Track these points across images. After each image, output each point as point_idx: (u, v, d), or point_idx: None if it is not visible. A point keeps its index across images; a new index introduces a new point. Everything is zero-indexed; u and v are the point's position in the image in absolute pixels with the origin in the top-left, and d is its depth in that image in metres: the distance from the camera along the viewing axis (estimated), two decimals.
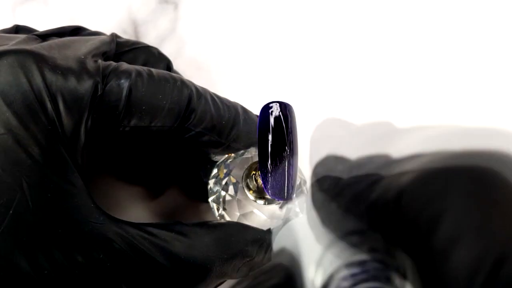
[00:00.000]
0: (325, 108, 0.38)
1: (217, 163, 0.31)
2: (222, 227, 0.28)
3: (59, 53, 0.25)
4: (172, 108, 0.26)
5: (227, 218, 0.30)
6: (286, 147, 0.26)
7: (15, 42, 0.25)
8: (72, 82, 0.24)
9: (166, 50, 0.34)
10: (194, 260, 0.26)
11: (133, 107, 0.25)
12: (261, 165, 0.26)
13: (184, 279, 0.26)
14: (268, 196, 0.27)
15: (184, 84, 0.27)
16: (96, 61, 0.25)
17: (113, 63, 0.26)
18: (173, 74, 0.28)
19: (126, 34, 0.40)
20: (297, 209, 0.30)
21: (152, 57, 0.31)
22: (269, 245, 0.29)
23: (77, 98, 0.24)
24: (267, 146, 0.25)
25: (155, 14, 0.40)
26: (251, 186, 0.29)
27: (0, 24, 0.38)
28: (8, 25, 0.30)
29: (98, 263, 0.23)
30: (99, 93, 0.24)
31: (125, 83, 0.25)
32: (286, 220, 0.30)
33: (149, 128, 0.27)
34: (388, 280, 0.14)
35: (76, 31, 0.31)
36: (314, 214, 0.17)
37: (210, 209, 0.30)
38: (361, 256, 0.15)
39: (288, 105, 0.27)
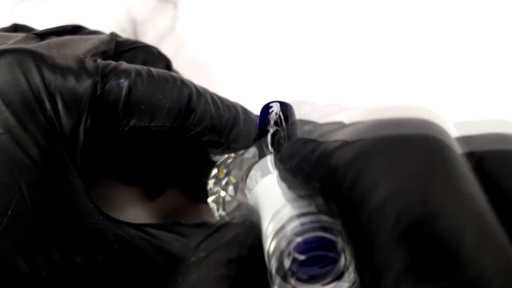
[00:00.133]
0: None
1: (217, 163, 0.31)
2: (221, 227, 0.28)
3: (58, 52, 0.24)
4: (171, 107, 0.26)
5: (227, 219, 0.29)
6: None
7: (13, 41, 0.25)
8: (71, 81, 0.24)
9: (166, 49, 0.33)
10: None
11: (133, 106, 0.25)
12: None
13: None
14: None
15: (184, 84, 0.27)
16: (95, 61, 0.25)
17: (112, 63, 0.26)
18: (173, 73, 0.28)
19: (125, 33, 0.39)
20: None
21: (152, 56, 0.31)
22: None
23: (76, 97, 0.24)
24: (267, 147, 0.25)
25: (155, 13, 0.40)
26: (251, 187, 0.29)
27: None
28: (7, 23, 0.30)
29: (97, 263, 0.23)
30: (98, 92, 0.24)
31: (124, 83, 0.25)
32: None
33: (149, 128, 0.26)
34: (334, 232, 0.15)
35: (75, 30, 0.30)
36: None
37: (210, 209, 0.30)
38: (312, 209, 0.16)
39: (289, 104, 0.26)
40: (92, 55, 0.26)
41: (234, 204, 0.30)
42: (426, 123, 0.13)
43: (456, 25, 0.40)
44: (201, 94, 0.28)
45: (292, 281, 0.15)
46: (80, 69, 0.24)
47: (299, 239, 0.15)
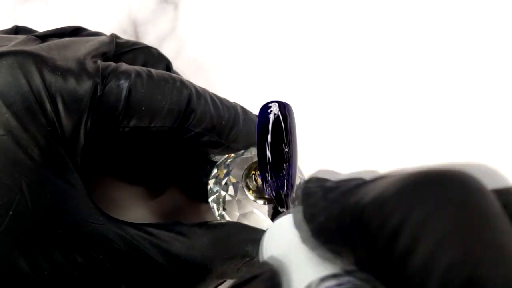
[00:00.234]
0: (325, 108, 0.38)
1: (217, 163, 0.31)
2: (221, 227, 0.28)
3: (58, 54, 0.25)
4: (171, 108, 0.26)
5: (227, 218, 0.30)
6: (285, 147, 0.26)
7: (14, 43, 0.25)
8: (71, 83, 0.24)
9: (166, 50, 0.34)
10: (194, 260, 0.26)
11: (133, 107, 0.26)
12: (260, 165, 0.26)
13: (184, 279, 0.26)
14: (267, 196, 0.27)
15: (183, 85, 0.27)
16: (95, 62, 0.25)
17: (112, 64, 0.26)
18: (173, 74, 0.28)
19: (126, 34, 0.40)
20: None
21: (152, 57, 0.31)
22: None
23: (76, 99, 0.24)
24: (266, 146, 0.25)
25: (155, 14, 0.40)
26: (250, 186, 0.29)
27: (1, 24, 0.38)
28: (9, 24, 0.30)
29: (98, 263, 0.24)
30: (99, 94, 0.24)
31: (124, 84, 0.25)
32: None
33: (149, 128, 0.27)
34: None
35: (76, 31, 0.31)
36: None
37: (210, 209, 0.30)
38: (339, 270, 0.15)
39: (287, 104, 0.27)
40: (93, 57, 0.26)
41: (234, 203, 0.30)
42: (464, 175, 0.12)
43: (455, 26, 0.40)
44: (200, 94, 0.28)
45: None
46: (80, 71, 0.24)
47: None
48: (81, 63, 0.25)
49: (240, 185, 0.30)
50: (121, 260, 0.24)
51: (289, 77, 0.39)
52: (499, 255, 0.11)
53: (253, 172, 0.29)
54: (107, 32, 0.31)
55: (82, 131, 0.24)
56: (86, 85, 0.24)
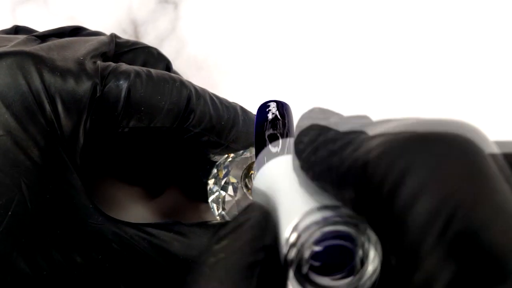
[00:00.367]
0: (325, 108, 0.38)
1: (217, 163, 0.31)
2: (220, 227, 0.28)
3: (58, 54, 0.25)
4: (171, 108, 0.27)
5: (227, 218, 0.30)
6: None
7: (14, 43, 0.25)
8: (70, 83, 0.24)
9: (166, 50, 0.34)
10: (193, 260, 0.26)
11: (132, 108, 0.26)
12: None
13: (182, 279, 0.26)
14: None
15: (183, 85, 0.27)
16: (95, 62, 0.25)
17: (112, 64, 0.26)
18: (172, 74, 0.28)
19: (126, 34, 0.40)
20: None
21: (152, 57, 0.31)
22: None
23: (75, 99, 0.24)
24: (264, 144, 0.25)
25: (155, 14, 0.40)
26: (249, 186, 0.29)
27: (0, 24, 0.38)
28: (8, 25, 0.30)
29: (97, 263, 0.24)
30: (98, 94, 0.24)
31: (123, 84, 0.25)
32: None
33: (148, 128, 0.27)
34: (358, 228, 0.15)
35: (76, 31, 0.31)
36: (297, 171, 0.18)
37: (209, 209, 0.30)
38: (335, 202, 0.16)
39: (286, 104, 0.26)
40: (92, 57, 0.26)
41: (234, 203, 0.30)
42: (467, 126, 0.13)
43: (454, 27, 0.40)
44: (200, 95, 0.28)
45: (306, 269, 0.15)
46: (79, 71, 0.24)
47: (319, 232, 0.15)
48: (80, 64, 0.25)
49: (239, 185, 0.30)
50: (120, 260, 0.24)
51: (289, 77, 0.39)
52: (500, 209, 0.11)
53: (252, 171, 0.29)
54: (107, 32, 0.31)
55: (81, 131, 0.24)
56: (85, 86, 0.24)
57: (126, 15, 0.40)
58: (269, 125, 0.25)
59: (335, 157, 0.15)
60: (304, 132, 0.17)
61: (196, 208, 0.35)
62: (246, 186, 0.29)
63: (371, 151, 0.13)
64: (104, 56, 0.28)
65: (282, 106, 0.26)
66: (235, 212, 0.30)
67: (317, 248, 0.15)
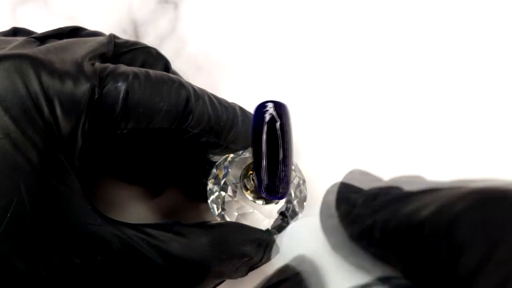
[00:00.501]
0: (326, 108, 0.38)
1: (216, 163, 0.31)
2: (220, 227, 0.28)
3: (56, 56, 0.25)
4: (169, 110, 0.27)
5: (227, 219, 0.30)
6: (280, 147, 0.26)
7: (12, 46, 0.25)
8: (69, 86, 0.24)
9: (166, 50, 0.34)
10: (192, 260, 0.26)
11: (130, 109, 0.26)
12: (255, 165, 0.26)
13: (182, 279, 0.26)
14: (264, 196, 0.27)
15: (181, 86, 0.27)
16: (93, 64, 0.25)
17: (110, 66, 0.26)
18: (171, 75, 0.28)
19: (126, 34, 0.40)
20: (296, 209, 0.30)
21: (151, 57, 0.32)
22: (268, 245, 0.29)
23: (74, 101, 0.24)
24: (261, 146, 0.25)
25: (155, 14, 0.40)
26: (248, 186, 0.29)
27: (0, 24, 0.38)
28: (8, 25, 0.31)
29: (96, 264, 0.24)
30: (96, 96, 0.24)
31: (122, 86, 0.25)
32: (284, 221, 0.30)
33: (147, 130, 0.27)
34: None
35: (75, 31, 0.31)
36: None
37: (209, 209, 0.31)
38: (368, 279, 0.15)
39: (283, 104, 0.26)
40: (91, 59, 0.26)
41: (233, 204, 0.30)
42: None
43: (455, 27, 0.40)
44: (199, 96, 0.28)
45: None
46: (78, 73, 0.24)
47: None
48: (79, 66, 0.25)
49: (239, 185, 0.30)
50: (119, 261, 0.24)
51: (290, 77, 0.39)
52: None
53: (251, 172, 0.29)
54: (107, 32, 0.31)
55: (80, 133, 0.24)
56: (83, 88, 0.24)
57: (126, 15, 0.40)
58: (266, 125, 0.25)
59: (378, 215, 0.14)
60: (341, 190, 0.17)
61: (196, 208, 0.35)
62: (245, 186, 0.29)
63: (425, 208, 0.13)
64: (103, 57, 0.28)
65: (279, 107, 0.26)
66: (235, 212, 0.30)
67: None
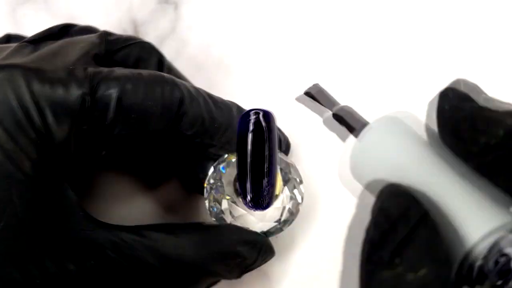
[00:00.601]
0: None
1: (214, 164, 0.31)
2: (214, 228, 0.28)
3: (48, 63, 0.25)
4: (162, 112, 0.26)
5: (222, 220, 0.30)
6: (265, 157, 0.25)
7: (5, 55, 0.25)
8: (60, 93, 0.24)
9: (166, 50, 0.34)
10: (186, 261, 0.26)
11: (123, 114, 0.26)
12: (239, 176, 0.26)
13: (176, 280, 0.26)
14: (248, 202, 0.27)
15: (175, 86, 0.27)
16: (85, 69, 0.25)
17: (103, 71, 0.26)
18: (165, 75, 0.28)
19: (126, 34, 0.40)
20: (293, 211, 0.30)
21: (145, 52, 0.31)
22: (262, 247, 0.29)
23: (66, 109, 0.24)
24: (246, 156, 0.25)
25: (155, 14, 0.40)
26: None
27: (0, 24, 0.39)
28: (8, 25, 0.31)
29: (90, 270, 0.24)
30: (88, 103, 0.25)
31: (114, 92, 0.25)
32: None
33: (140, 132, 0.27)
34: None
35: (65, 29, 0.30)
36: None
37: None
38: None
39: (269, 113, 0.26)
40: (84, 62, 0.26)
41: (229, 206, 0.30)
42: None
43: (455, 28, 0.39)
44: (193, 97, 0.28)
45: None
46: (69, 81, 0.24)
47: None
48: (70, 72, 0.25)
49: (235, 186, 0.30)
50: (113, 264, 0.24)
51: (289, 77, 0.38)
52: None
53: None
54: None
55: (72, 140, 0.25)
56: (75, 95, 0.24)
57: (126, 15, 0.40)
58: (250, 135, 0.25)
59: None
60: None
61: (195, 202, 0.35)
62: (237, 190, 0.29)
63: None
64: (96, 58, 0.28)
65: (264, 116, 0.26)
66: (229, 214, 0.30)
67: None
